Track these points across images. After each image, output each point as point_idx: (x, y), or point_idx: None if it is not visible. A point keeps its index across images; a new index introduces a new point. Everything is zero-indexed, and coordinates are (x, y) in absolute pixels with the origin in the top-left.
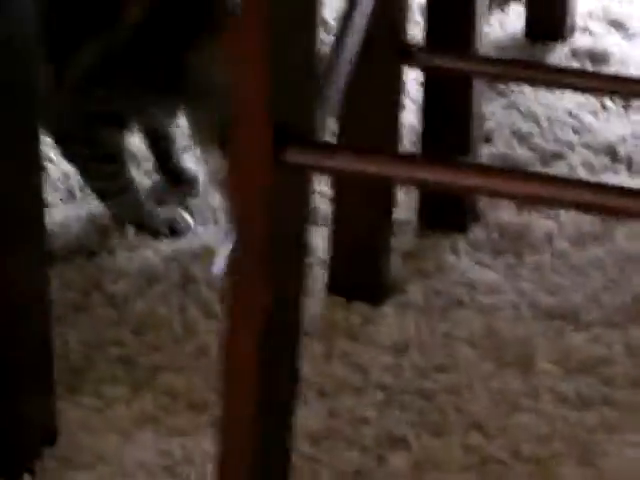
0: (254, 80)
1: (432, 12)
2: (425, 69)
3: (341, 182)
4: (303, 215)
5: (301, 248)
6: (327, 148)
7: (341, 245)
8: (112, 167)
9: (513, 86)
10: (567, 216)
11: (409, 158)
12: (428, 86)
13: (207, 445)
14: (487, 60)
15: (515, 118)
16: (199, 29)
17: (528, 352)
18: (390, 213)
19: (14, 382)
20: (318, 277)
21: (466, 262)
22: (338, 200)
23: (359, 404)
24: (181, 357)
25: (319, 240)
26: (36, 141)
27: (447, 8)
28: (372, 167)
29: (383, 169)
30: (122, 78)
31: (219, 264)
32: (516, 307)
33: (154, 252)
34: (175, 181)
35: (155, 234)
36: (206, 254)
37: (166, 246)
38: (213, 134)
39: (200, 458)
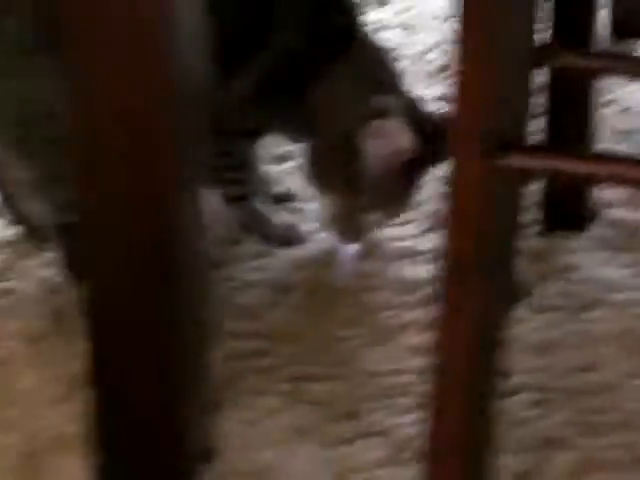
0: (473, 88)
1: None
2: (552, 68)
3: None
4: (513, 217)
5: (512, 250)
6: (539, 151)
7: None
8: (240, 174)
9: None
10: None
11: (616, 158)
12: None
13: (371, 453)
14: (610, 56)
15: (614, 114)
16: (328, 59)
17: None
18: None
19: (179, 400)
20: None
21: (589, 261)
22: None
23: (513, 407)
24: (324, 367)
25: None
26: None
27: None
28: (589, 168)
29: (596, 169)
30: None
31: (344, 269)
32: None
33: (277, 261)
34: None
35: (271, 242)
36: (331, 261)
37: (287, 254)
38: (333, 176)
39: (367, 465)
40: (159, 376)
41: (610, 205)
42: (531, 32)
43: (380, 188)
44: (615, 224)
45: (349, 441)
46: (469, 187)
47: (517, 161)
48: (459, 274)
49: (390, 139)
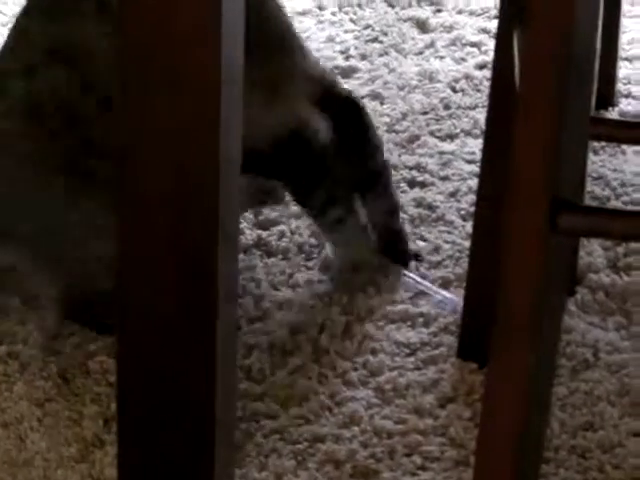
0: (538, 153)
1: None
2: None
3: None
4: (566, 277)
5: (562, 306)
6: (597, 213)
7: (474, 309)
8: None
9: None
10: None
11: None
12: None
13: None
14: None
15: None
16: None
17: None
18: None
19: (207, 456)
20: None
21: (581, 324)
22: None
23: None
24: (333, 427)
25: None
26: None
27: None
28: None
29: None
30: None
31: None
32: None
33: (277, 324)
34: None
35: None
36: (327, 324)
37: (282, 317)
38: None
39: None
40: (188, 431)
41: (594, 270)
42: (590, 98)
43: None
44: (600, 288)
45: None
46: (529, 246)
47: (576, 221)
48: (513, 330)
49: None
